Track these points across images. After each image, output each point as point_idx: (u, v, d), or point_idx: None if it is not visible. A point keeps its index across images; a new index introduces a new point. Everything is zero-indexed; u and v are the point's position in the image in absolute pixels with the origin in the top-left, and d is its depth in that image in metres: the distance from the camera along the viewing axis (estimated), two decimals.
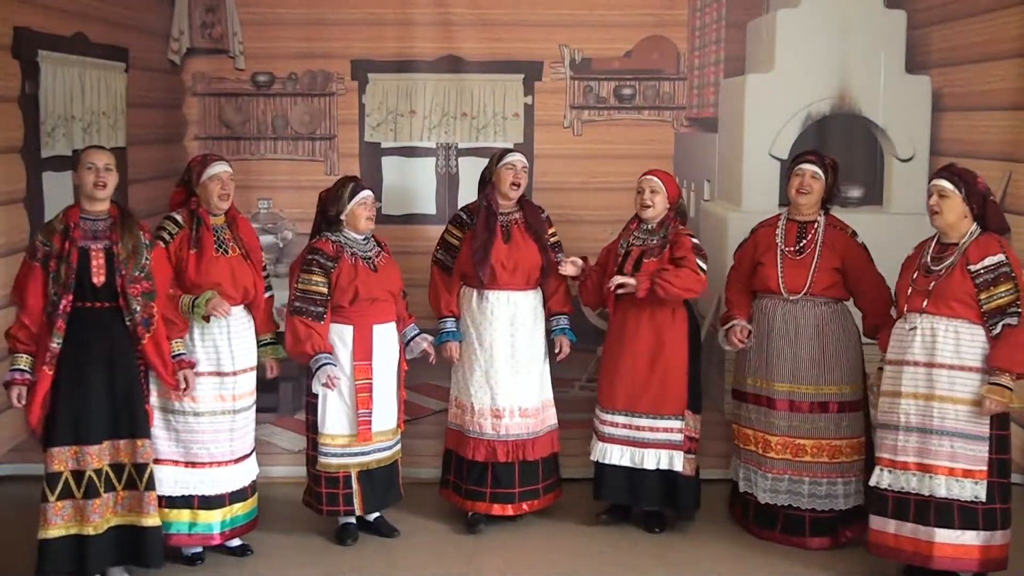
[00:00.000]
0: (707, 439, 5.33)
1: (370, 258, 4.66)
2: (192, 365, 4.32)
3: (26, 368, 4.04)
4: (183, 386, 4.27)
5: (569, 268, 4.83)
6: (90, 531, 4.05)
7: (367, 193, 4.66)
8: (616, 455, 4.81)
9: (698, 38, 5.59)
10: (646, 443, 4.80)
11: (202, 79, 5.60)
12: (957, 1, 5.40)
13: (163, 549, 4.27)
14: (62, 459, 4.04)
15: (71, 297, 4.00)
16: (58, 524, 4.04)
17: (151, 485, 4.20)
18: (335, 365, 4.52)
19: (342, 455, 4.65)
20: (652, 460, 4.79)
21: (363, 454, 4.67)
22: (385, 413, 4.69)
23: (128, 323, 4.09)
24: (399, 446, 4.83)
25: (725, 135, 5.58)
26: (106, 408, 4.09)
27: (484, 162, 5.00)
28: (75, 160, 4.18)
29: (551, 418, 4.98)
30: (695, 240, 4.77)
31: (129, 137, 5.54)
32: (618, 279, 4.65)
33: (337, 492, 4.67)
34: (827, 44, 5.46)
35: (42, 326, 4.02)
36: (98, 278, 4.05)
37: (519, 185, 4.84)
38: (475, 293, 4.85)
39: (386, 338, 4.69)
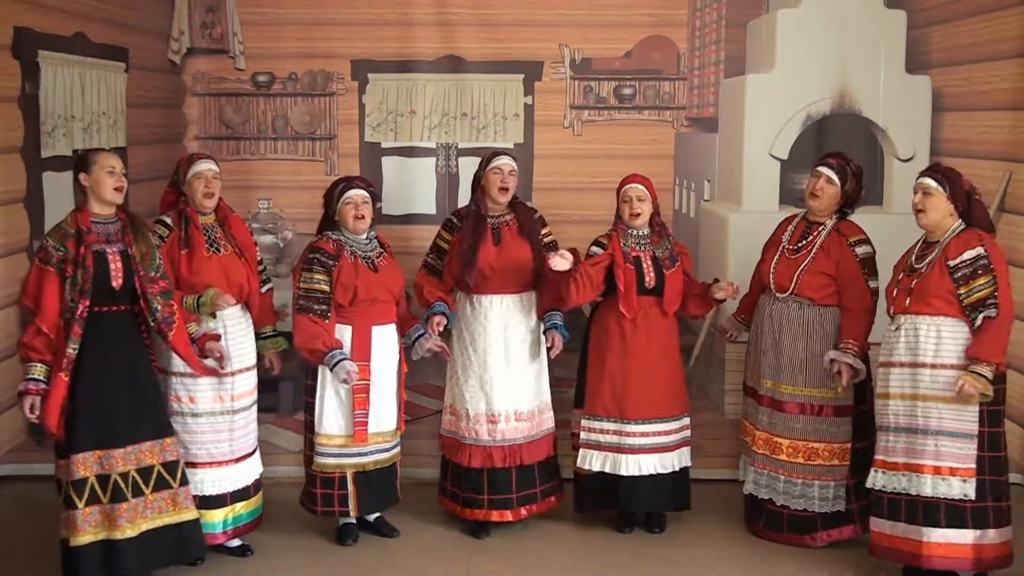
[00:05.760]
0: (707, 439, 5.36)
1: (371, 258, 4.65)
2: (216, 337, 4.33)
3: (41, 378, 3.96)
4: (216, 356, 4.29)
5: (559, 262, 4.52)
6: (119, 535, 4.02)
7: (353, 192, 4.61)
8: (650, 465, 4.77)
9: (698, 38, 5.59)
10: (671, 446, 4.81)
11: (202, 79, 5.60)
12: (957, 1, 5.39)
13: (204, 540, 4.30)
14: (87, 464, 4.00)
15: (87, 302, 3.96)
16: (87, 530, 3.99)
17: (185, 480, 4.20)
18: (350, 359, 4.52)
19: (338, 455, 4.65)
20: (676, 461, 4.83)
21: (360, 455, 4.67)
22: (384, 415, 4.69)
23: (152, 323, 4.10)
24: (398, 448, 4.82)
25: (725, 135, 5.58)
26: (129, 411, 4.07)
27: None
28: (82, 161, 4.11)
29: (548, 421, 4.95)
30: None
31: (129, 137, 5.54)
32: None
33: (332, 493, 4.67)
34: (827, 44, 5.46)
35: (59, 332, 3.95)
36: (116, 281, 4.03)
37: (507, 189, 4.78)
38: (468, 298, 4.83)
39: (385, 339, 4.68)
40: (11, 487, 5.29)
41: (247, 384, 4.54)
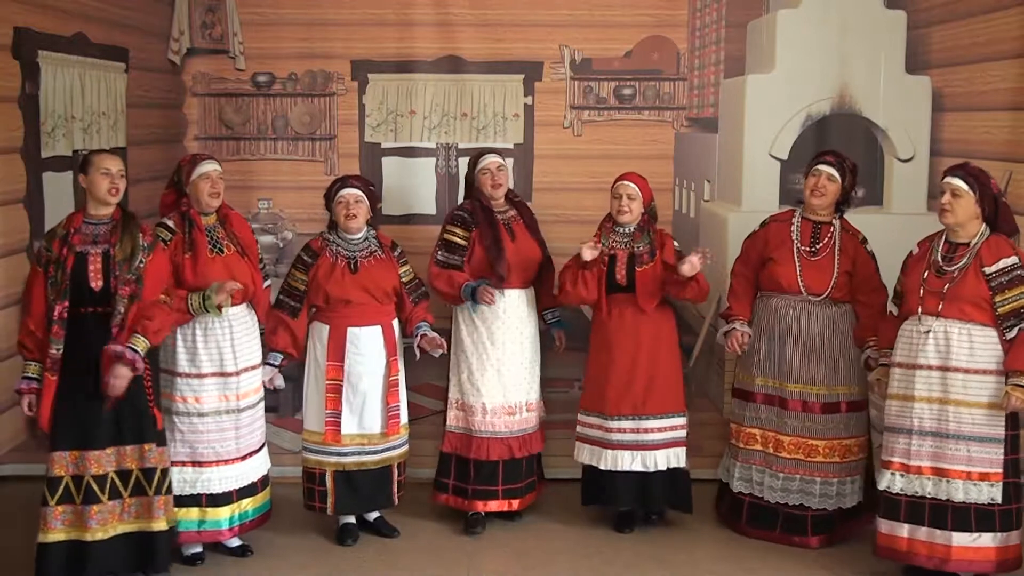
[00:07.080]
0: (707, 439, 5.34)
1: (355, 259, 4.65)
2: (124, 360, 3.97)
3: (35, 376, 4.07)
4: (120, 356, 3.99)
5: (588, 252, 4.64)
6: (88, 537, 4.04)
7: (346, 191, 4.64)
8: (627, 461, 4.77)
9: (698, 38, 5.59)
10: (655, 444, 4.79)
11: (202, 79, 5.60)
12: (957, 1, 5.39)
13: (171, 553, 4.27)
14: (63, 464, 4.04)
15: (67, 303, 3.98)
16: (58, 529, 4.04)
17: (161, 489, 4.18)
18: (273, 366, 4.64)
19: (318, 452, 4.72)
20: (663, 461, 4.80)
21: (338, 454, 4.69)
22: (366, 417, 4.70)
23: (114, 325, 4.02)
24: (397, 451, 4.80)
25: (725, 135, 5.58)
26: (110, 413, 4.06)
27: None
28: (82, 162, 4.16)
29: (542, 411, 5.05)
30: (676, 244, 4.83)
31: (129, 137, 5.55)
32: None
33: (313, 488, 4.74)
34: (827, 44, 5.45)
35: (46, 332, 4.01)
36: (95, 282, 4.03)
37: (500, 185, 4.87)
38: None
39: (365, 341, 4.66)
40: (11, 487, 5.29)
41: (252, 382, 4.55)
